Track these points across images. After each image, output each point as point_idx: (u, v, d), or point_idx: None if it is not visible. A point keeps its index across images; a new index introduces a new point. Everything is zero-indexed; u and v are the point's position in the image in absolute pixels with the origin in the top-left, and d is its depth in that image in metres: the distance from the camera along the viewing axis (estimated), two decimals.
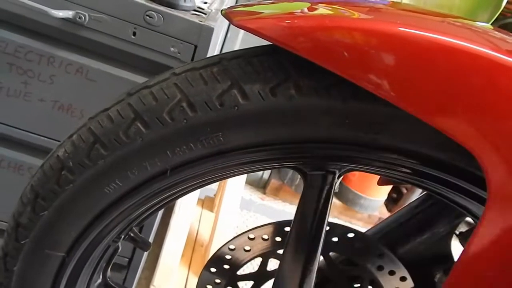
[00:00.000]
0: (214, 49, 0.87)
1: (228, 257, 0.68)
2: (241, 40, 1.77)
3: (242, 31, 1.75)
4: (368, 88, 0.37)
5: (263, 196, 2.18)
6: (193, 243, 1.55)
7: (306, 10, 0.43)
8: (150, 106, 0.44)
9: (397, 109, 0.37)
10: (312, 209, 0.50)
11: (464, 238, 0.59)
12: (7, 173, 0.84)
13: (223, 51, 1.64)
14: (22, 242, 0.51)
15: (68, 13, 0.68)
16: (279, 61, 0.42)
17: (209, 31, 0.72)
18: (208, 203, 1.81)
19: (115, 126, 0.45)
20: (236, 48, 1.78)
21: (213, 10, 0.82)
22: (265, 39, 0.40)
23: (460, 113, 0.36)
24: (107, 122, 0.46)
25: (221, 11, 0.46)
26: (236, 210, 1.62)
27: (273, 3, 0.49)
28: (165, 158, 0.45)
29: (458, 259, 0.38)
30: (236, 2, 1.66)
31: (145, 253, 0.95)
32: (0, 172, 0.84)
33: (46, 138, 0.81)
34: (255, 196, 2.15)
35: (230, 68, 0.43)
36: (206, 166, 0.46)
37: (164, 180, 0.47)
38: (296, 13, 0.42)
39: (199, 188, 0.53)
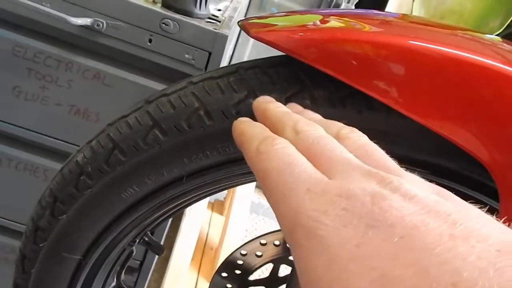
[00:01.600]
0: (226, 55, 0.88)
1: (239, 262, 0.69)
2: (251, 46, 1.79)
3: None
4: (380, 98, 0.38)
5: None
6: (202, 246, 1.56)
7: (318, 22, 0.44)
8: (168, 114, 0.45)
9: (409, 120, 0.38)
10: None
11: None
12: (23, 175, 0.86)
13: (234, 56, 1.65)
14: (41, 245, 0.53)
15: (86, 21, 0.69)
16: (294, 72, 0.43)
17: (224, 38, 0.73)
18: (218, 207, 1.82)
19: (133, 133, 0.46)
20: (247, 53, 1.80)
21: (227, 18, 0.84)
22: (280, 51, 0.41)
23: (469, 123, 0.37)
24: (125, 128, 0.47)
25: (238, 22, 0.47)
26: (246, 214, 1.63)
27: (286, 15, 0.50)
28: (182, 164, 0.46)
29: None
30: (247, 10, 1.67)
31: (156, 256, 0.96)
32: (16, 174, 0.86)
33: (62, 142, 0.83)
34: (264, 200, 2.15)
35: (246, 78, 0.44)
36: (221, 173, 0.47)
37: (180, 186, 0.48)
38: (308, 26, 0.43)
39: (213, 194, 0.54)
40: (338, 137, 0.30)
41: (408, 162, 0.44)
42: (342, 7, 1.74)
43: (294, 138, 0.30)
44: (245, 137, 0.33)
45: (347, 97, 0.42)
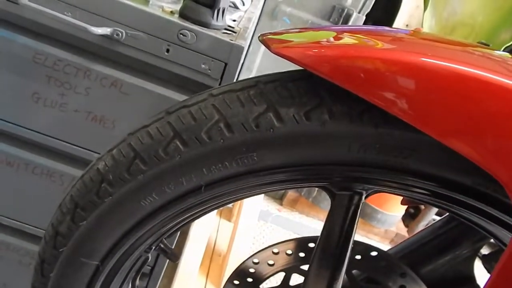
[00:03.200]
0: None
1: (251, 270, 0.70)
2: (262, 55, 1.81)
3: (263, 46, 1.78)
4: (394, 113, 0.39)
5: (280, 207, 2.19)
6: (211, 253, 1.57)
7: (332, 39, 0.45)
8: (189, 126, 0.46)
9: (424, 135, 0.39)
10: (339, 227, 0.52)
11: (487, 260, 0.60)
12: (40, 179, 0.88)
13: (244, 65, 1.66)
14: (60, 250, 0.54)
15: (106, 30, 0.71)
16: (313, 86, 0.44)
17: (240, 49, 0.74)
18: (226, 213, 1.83)
19: (155, 143, 0.48)
20: (258, 61, 1.82)
21: (242, 29, 0.85)
22: (298, 65, 0.42)
23: (480, 139, 0.38)
24: (147, 138, 0.48)
25: (258, 37, 0.48)
26: (254, 221, 1.64)
27: (300, 31, 0.51)
28: (201, 174, 0.48)
29: (485, 285, 0.39)
30: (259, 19, 1.69)
31: (167, 262, 0.97)
32: (33, 178, 0.88)
33: (78, 147, 0.84)
34: (272, 207, 2.16)
35: (266, 92, 0.45)
36: (238, 184, 0.48)
37: (198, 196, 0.49)
38: (322, 42, 0.44)
39: (229, 203, 0.55)
40: None
41: (422, 177, 0.45)
42: (353, 17, 1.75)
43: None
44: None
45: (364, 112, 0.43)
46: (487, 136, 0.38)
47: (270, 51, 0.44)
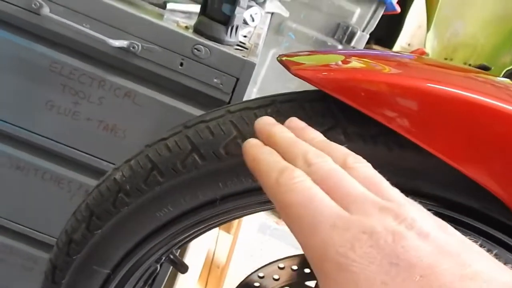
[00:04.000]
0: None
1: (256, 284, 0.71)
2: (267, 67, 1.84)
3: (268, 58, 1.80)
4: (402, 133, 0.41)
5: (278, 220, 2.19)
6: (209, 264, 1.57)
7: (340, 63, 0.47)
8: (207, 140, 0.48)
9: (437, 159, 0.41)
10: None
11: None
12: (49, 185, 0.89)
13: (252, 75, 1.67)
14: (74, 257, 0.55)
15: (123, 43, 0.72)
16: (329, 107, 0.46)
17: (251, 65, 0.76)
18: (225, 225, 1.83)
19: (172, 155, 0.49)
20: (262, 73, 1.84)
21: (253, 45, 0.87)
22: (315, 87, 0.44)
23: (484, 163, 0.40)
24: (165, 151, 0.50)
25: (277, 58, 0.50)
26: (254, 233, 1.65)
27: (309, 54, 0.53)
28: (217, 188, 0.49)
29: None
30: (266, 36, 1.71)
31: (169, 272, 0.98)
32: (42, 184, 0.89)
33: (88, 155, 0.86)
34: (270, 220, 2.17)
35: (282, 111, 0.47)
36: (253, 199, 0.50)
37: (213, 209, 0.51)
38: (331, 66, 0.46)
39: (242, 217, 0.57)
40: (345, 167, 0.33)
41: (433, 198, 0.46)
42: (357, 35, 1.78)
43: (306, 169, 0.33)
44: (260, 165, 0.35)
45: (379, 135, 0.44)
46: (488, 158, 0.39)
47: (290, 72, 0.45)
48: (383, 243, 0.25)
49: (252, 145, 0.37)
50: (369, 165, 0.34)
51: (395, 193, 0.31)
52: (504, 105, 0.38)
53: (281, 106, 0.48)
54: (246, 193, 0.49)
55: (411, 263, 0.24)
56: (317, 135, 0.39)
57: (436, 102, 0.40)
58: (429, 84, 0.40)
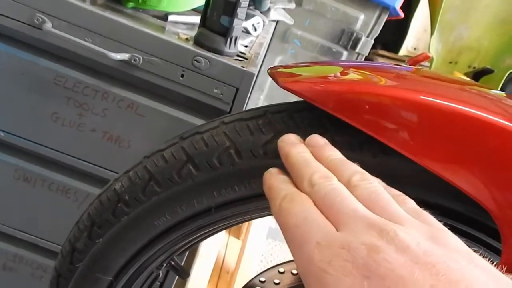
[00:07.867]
0: None
1: None
2: (261, 74, 1.86)
3: (263, 67, 1.82)
4: (393, 146, 0.42)
5: None
6: (219, 270, 1.59)
7: (338, 74, 0.48)
8: (201, 151, 0.50)
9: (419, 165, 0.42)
10: None
11: None
12: (55, 195, 0.91)
13: (257, 83, 1.70)
14: (77, 265, 0.57)
15: (124, 56, 0.75)
16: (318, 117, 0.47)
17: (251, 76, 0.78)
18: (234, 230, 1.85)
19: (169, 166, 0.51)
20: (269, 81, 1.86)
21: (253, 55, 0.89)
22: (305, 100, 0.46)
23: (473, 172, 0.41)
24: (161, 162, 0.51)
25: (267, 70, 0.52)
26: (263, 238, 1.66)
27: (309, 65, 0.55)
28: (212, 197, 0.51)
29: None
30: (270, 41, 1.73)
31: (176, 278, 0.99)
32: (49, 194, 0.91)
33: (94, 165, 0.88)
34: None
35: (273, 121, 0.49)
36: (247, 206, 0.51)
37: (209, 217, 0.52)
38: (329, 78, 0.47)
39: (239, 224, 0.58)
40: (349, 185, 0.35)
41: (419, 203, 0.47)
42: (362, 41, 1.79)
43: (310, 191, 0.34)
44: (272, 193, 0.37)
45: (364, 143, 0.46)
46: (478, 168, 0.40)
47: (278, 85, 0.47)
48: (357, 257, 0.27)
49: (270, 174, 0.40)
50: (375, 182, 0.36)
51: (395, 209, 0.32)
52: (495, 118, 0.39)
53: (273, 117, 0.49)
54: (240, 201, 0.51)
55: (381, 275, 0.25)
56: (332, 153, 0.40)
57: (430, 114, 0.41)
58: (423, 97, 0.41)
